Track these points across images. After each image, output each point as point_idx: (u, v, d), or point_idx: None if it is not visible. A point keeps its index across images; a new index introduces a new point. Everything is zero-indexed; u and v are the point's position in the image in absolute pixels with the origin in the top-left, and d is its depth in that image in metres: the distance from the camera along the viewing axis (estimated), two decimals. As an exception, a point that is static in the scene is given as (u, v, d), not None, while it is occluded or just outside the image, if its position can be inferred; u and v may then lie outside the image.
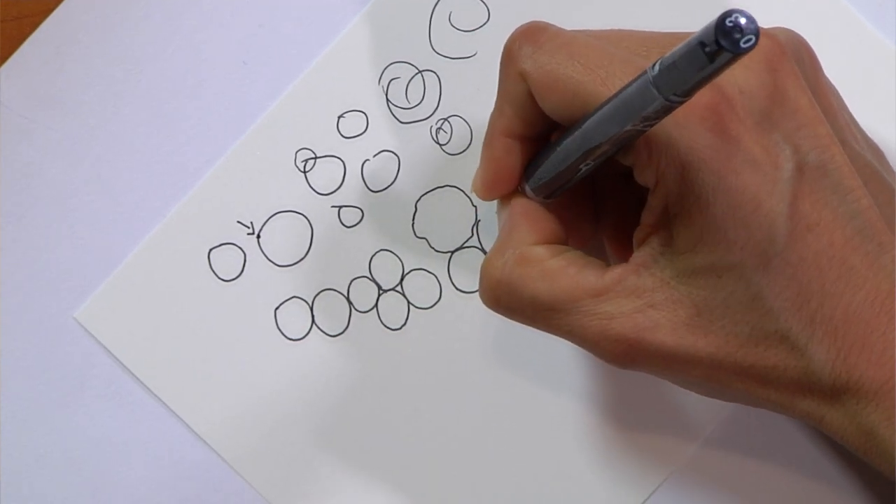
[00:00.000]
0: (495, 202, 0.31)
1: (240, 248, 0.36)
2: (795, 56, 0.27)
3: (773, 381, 0.26)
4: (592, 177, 0.28)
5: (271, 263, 0.36)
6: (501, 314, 0.29)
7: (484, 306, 0.29)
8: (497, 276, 0.28)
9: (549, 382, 0.35)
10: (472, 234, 0.36)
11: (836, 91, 0.31)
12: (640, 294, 0.26)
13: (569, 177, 0.28)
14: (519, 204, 0.30)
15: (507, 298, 0.28)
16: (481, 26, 0.36)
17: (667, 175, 0.25)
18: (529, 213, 0.29)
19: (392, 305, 0.36)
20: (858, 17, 0.36)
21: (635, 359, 0.27)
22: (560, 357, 0.35)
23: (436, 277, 0.36)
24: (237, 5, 0.37)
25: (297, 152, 0.36)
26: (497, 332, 0.36)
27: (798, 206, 0.25)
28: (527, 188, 0.30)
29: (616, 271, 0.27)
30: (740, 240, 0.25)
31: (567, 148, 0.27)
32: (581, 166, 0.27)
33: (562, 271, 0.27)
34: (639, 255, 0.27)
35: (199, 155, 0.37)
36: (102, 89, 0.37)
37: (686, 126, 0.25)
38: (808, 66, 0.28)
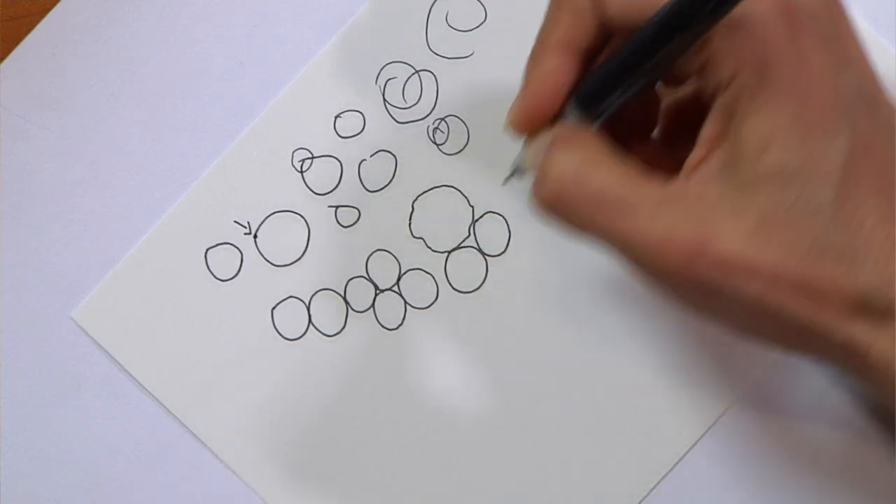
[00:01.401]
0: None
1: (237, 247, 0.36)
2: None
3: (827, 301, 0.26)
4: (624, 110, 0.28)
5: (268, 263, 0.36)
6: (556, 215, 0.28)
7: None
8: (561, 170, 0.27)
9: (545, 382, 0.35)
10: (469, 234, 0.36)
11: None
12: (706, 202, 0.26)
13: (626, 89, 0.27)
14: (565, 126, 0.28)
15: (570, 195, 0.27)
16: (478, 26, 0.36)
17: (740, 71, 0.25)
18: (579, 132, 0.28)
19: (389, 305, 0.36)
20: (859, 20, 0.36)
21: (696, 266, 0.26)
22: (556, 358, 0.35)
23: (433, 277, 0.36)
24: (233, 5, 0.37)
25: (293, 152, 0.36)
26: (493, 332, 0.36)
27: (859, 124, 0.26)
28: (567, 117, 0.29)
29: (680, 180, 0.27)
30: (808, 145, 0.25)
31: (629, 53, 0.26)
32: (641, 77, 0.27)
33: (626, 175, 0.27)
34: (703, 167, 0.27)
35: (195, 155, 0.37)
36: (99, 90, 0.37)
37: (761, 22, 0.25)
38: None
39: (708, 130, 0.27)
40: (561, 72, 0.28)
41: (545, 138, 0.28)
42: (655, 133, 0.32)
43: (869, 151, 0.26)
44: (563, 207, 0.27)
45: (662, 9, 0.25)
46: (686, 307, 0.28)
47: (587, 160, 0.27)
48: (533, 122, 0.29)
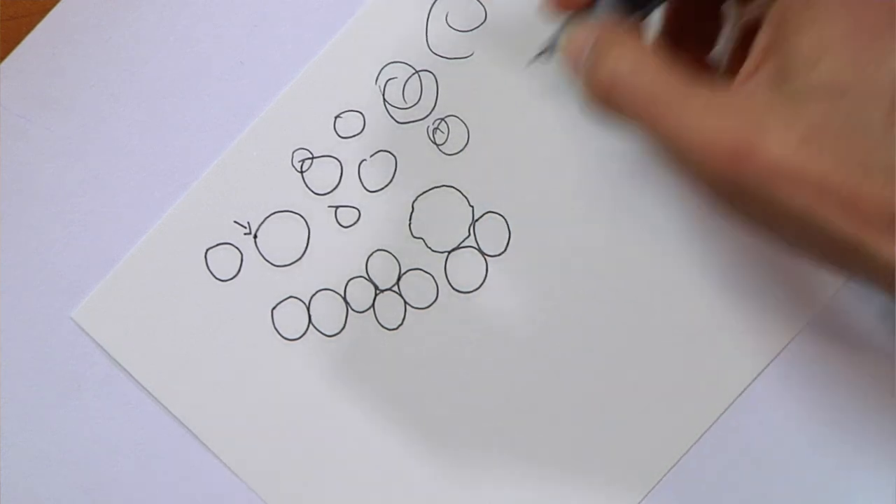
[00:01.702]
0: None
1: (236, 247, 0.36)
2: None
3: (872, 220, 0.26)
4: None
5: (268, 263, 0.36)
6: (607, 106, 0.28)
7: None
8: (616, 63, 0.27)
9: (546, 382, 0.35)
10: (469, 234, 0.36)
11: None
12: (755, 109, 0.26)
13: None
14: (607, 25, 0.29)
15: (623, 88, 0.27)
16: (478, 26, 0.36)
17: None
18: (629, 31, 0.28)
19: (389, 305, 0.36)
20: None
21: (742, 169, 0.26)
22: (555, 358, 0.35)
23: (432, 277, 0.36)
24: (233, 5, 0.37)
25: (293, 152, 0.36)
26: (493, 332, 0.36)
27: None
28: (599, 8, 0.29)
29: (733, 87, 0.27)
30: (862, 61, 0.25)
31: None
32: None
33: (678, 75, 0.27)
34: (756, 76, 0.27)
35: (195, 155, 0.37)
36: (99, 90, 0.37)
37: None
38: None
39: (761, 40, 0.27)
40: None
41: (587, 28, 0.29)
42: (724, 61, 0.32)
43: None
44: (614, 100, 0.28)
45: None
46: (732, 214, 0.28)
47: (641, 56, 0.27)
48: None
